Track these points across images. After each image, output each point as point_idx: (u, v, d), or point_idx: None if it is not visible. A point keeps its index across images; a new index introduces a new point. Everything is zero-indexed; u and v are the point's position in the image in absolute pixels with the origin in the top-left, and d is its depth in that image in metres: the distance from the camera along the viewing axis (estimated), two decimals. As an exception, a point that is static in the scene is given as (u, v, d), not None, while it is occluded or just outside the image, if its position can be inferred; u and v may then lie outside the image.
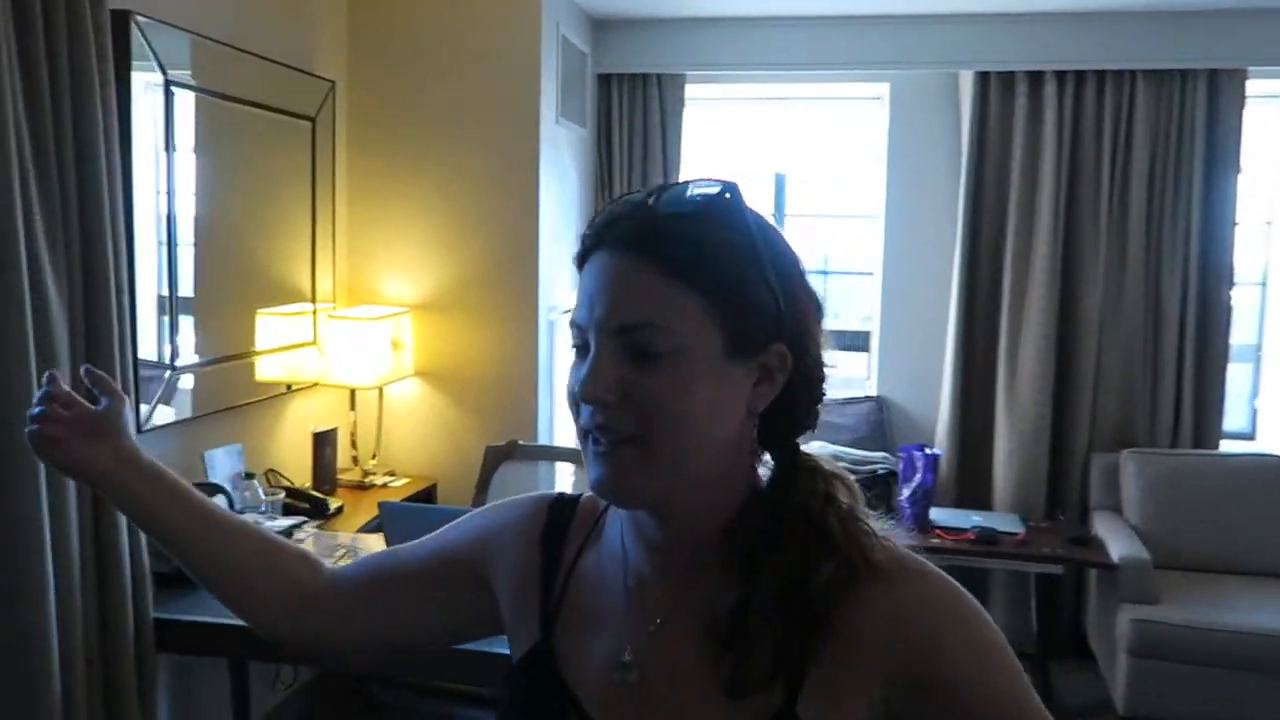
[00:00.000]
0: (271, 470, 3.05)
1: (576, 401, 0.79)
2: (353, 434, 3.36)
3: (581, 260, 0.81)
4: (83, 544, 2.01)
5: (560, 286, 3.67)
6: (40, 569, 1.86)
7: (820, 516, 0.81)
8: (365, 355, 3.18)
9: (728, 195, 0.79)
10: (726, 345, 0.77)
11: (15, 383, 1.80)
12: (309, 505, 2.88)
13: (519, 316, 3.45)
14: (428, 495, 3.41)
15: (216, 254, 2.85)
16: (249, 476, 2.61)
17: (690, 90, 4.10)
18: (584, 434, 0.79)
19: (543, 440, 3.51)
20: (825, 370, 0.84)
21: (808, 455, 0.85)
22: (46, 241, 1.89)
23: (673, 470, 0.78)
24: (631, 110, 4.06)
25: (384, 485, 3.31)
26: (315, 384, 3.25)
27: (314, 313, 3.24)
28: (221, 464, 2.61)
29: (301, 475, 3.16)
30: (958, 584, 0.81)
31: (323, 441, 3.14)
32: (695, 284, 0.76)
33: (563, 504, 0.95)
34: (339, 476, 3.27)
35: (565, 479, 3.60)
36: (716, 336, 0.77)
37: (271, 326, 3.08)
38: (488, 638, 0.99)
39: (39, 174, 1.87)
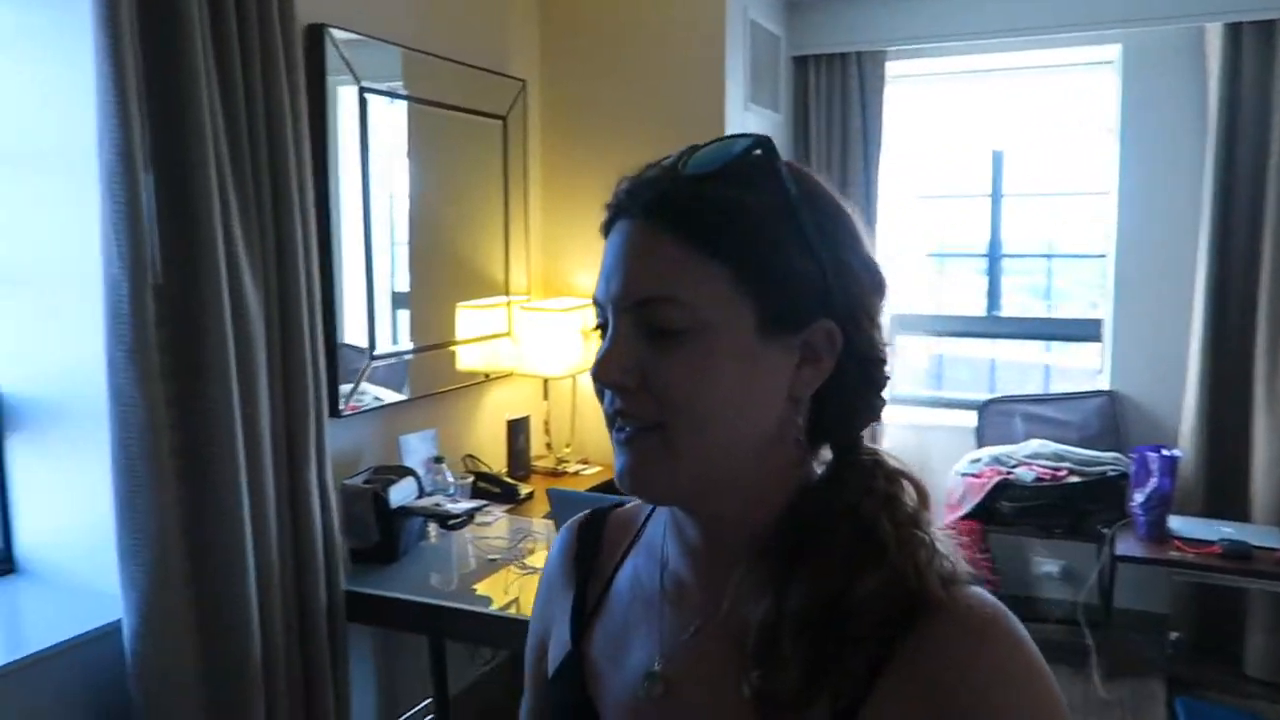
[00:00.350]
0: (469, 455, 3.20)
1: (599, 386, 0.72)
2: (546, 422, 3.46)
3: (606, 230, 0.74)
4: (280, 520, 2.18)
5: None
6: (240, 544, 2.03)
7: (873, 517, 0.70)
8: (557, 346, 3.27)
9: (758, 151, 0.70)
10: (760, 322, 0.69)
11: (215, 367, 1.98)
12: (499, 490, 2.99)
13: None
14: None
15: (425, 250, 3.03)
16: (439, 460, 2.75)
17: (891, 68, 3.90)
18: (608, 420, 0.72)
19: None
20: (885, 350, 0.74)
21: (871, 449, 0.75)
22: (244, 240, 2.07)
23: (698, 464, 0.70)
24: (830, 92, 3.92)
25: (576, 473, 3.39)
26: (510, 373, 3.38)
27: (508, 305, 3.37)
28: (415, 448, 2.76)
29: (498, 461, 3.29)
30: (1028, 642, 0.66)
31: (516, 429, 3.26)
32: (721, 253, 0.68)
33: (590, 521, 0.90)
34: (534, 463, 3.38)
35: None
36: (747, 312, 0.68)
37: (470, 318, 3.24)
38: None
39: (236, 179, 2.05)
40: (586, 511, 0.91)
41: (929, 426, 4.08)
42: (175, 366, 1.95)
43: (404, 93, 2.83)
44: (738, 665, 0.70)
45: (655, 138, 3.39)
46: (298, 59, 2.20)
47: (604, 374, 0.69)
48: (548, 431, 3.47)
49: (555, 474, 3.36)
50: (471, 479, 2.89)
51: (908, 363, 4.27)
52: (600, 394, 0.73)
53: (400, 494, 2.47)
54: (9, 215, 2.08)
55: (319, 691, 2.28)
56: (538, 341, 3.29)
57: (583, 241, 3.56)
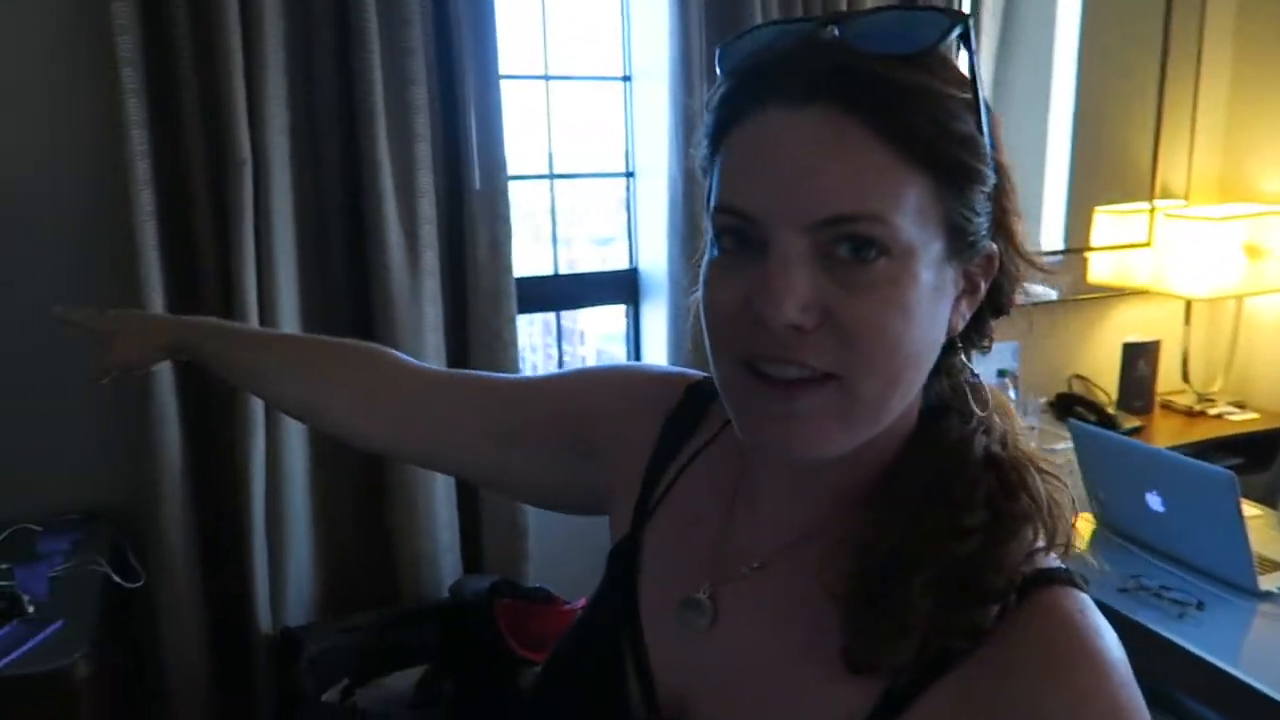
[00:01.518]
0: (1077, 376, 2.86)
1: (737, 321, 0.57)
2: (1185, 351, 2.89)
3: (726, 118, 0.58)
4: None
5: None
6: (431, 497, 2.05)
7: (1018, 466, 0.60)
8: (1210, 260, 2.68)
9: (959, 32, 0.55)
10: (946, 246, 0.57)
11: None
12: (1094, 419, 2.62)
13: None
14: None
15: (1058, 140, 2.72)
16: (1002, 375, 2.51)
17: None
18: (745, 365, 0.57)
19: None
20: (1023, 272, 0.62)
21: (974, 374, 0.64)
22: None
23: (878, 420, 0.58)
24: None
25: (1219, 415, 2.79)
26: (1145, 290, 2.87)
27: (1151, 210, 2.85)
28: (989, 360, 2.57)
29: (1112, 388, 2.87)
30: (1120, 671, 0.53)
31: (1135, 354, 2.79)
32: (926, 160, 0.54)
33: (703, 390, 0.75)
34: (1160, 397, 2.87)
35: None
36: (939, 234, 0.56)
37: (1105, 224, 2.84)
38: (575, 513, 0.85)
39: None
40: (705, 378, 0.76)
41: None
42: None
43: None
44: (803, 617, 0.61)
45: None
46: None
47: (778, 311, 0.53)
48: (1185, 363, 2.90)
49: (1191, 414, 2.81)
50: (1042, 400, 2.59)
51: None
52: (725, 328, 0.58)
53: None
54: (642, 123, 2.42)
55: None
56: (1185, 255, 2.73)
57: None
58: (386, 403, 0.89)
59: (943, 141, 0.54)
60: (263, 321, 1.83)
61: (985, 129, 0.56)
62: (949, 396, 0.63)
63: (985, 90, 0.57)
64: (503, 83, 2.01)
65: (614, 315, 2.57)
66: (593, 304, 2.53)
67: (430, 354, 1.98)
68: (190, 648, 1.86)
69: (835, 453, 0.58)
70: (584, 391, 0.83)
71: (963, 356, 0.63)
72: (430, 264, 1.97)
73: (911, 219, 0.54)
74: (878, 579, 0.57)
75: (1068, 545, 0.59)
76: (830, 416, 0.56)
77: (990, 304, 0.61)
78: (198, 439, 1.88)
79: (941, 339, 0.59)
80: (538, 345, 2.81)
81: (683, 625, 0.66)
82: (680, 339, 2.24)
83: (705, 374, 0.74)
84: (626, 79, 2.42)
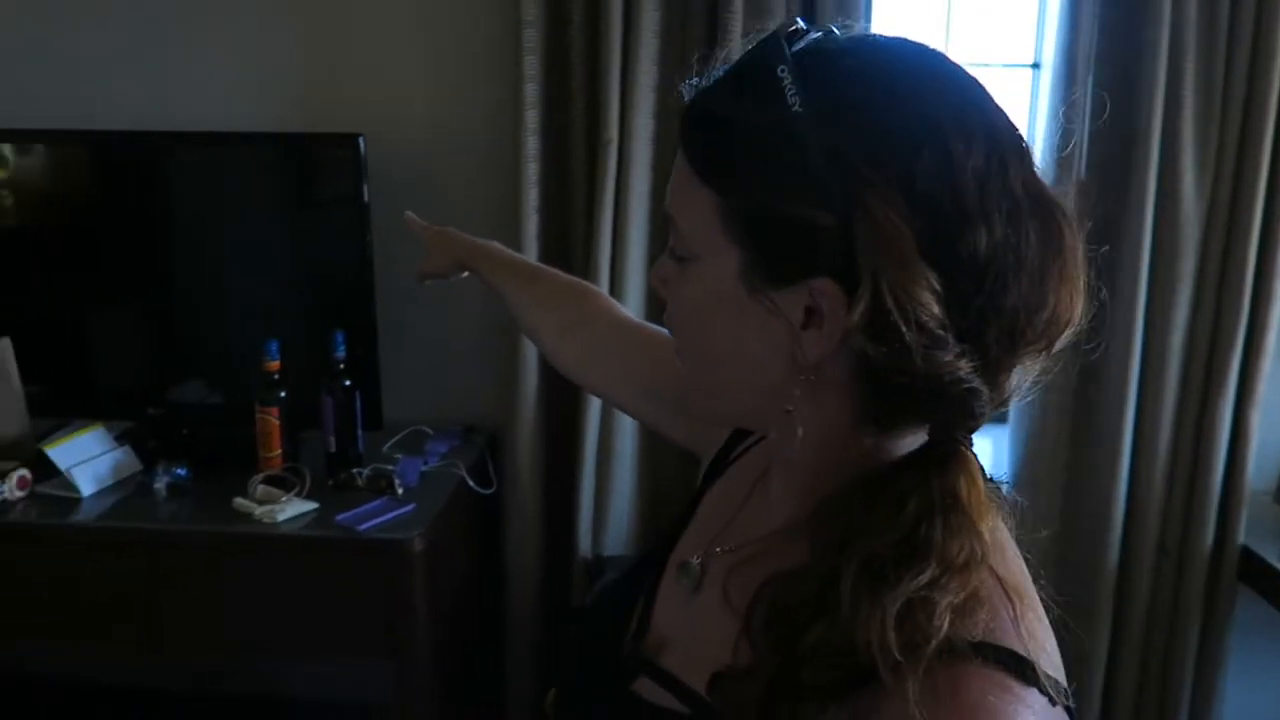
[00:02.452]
0: None
1: None
2: None
3: None
4: (1174, 450, 1.97)
5: None
6: (1114, 466, 1.95)
7: (917, 517, 0.54)
8: None
9: (769, 51, 0.56)
10: (744, 267, 0.58)
11: (1125, 267, 1.88)
12: None
13: None
14: None
15: None
16: None
17: None
18: None
19: None
20: (948, 334, 0.52)
21: (956, 447, 0.56)
22: (1193, 133, 1.85)
23: (703, 394, 0.67)
24: None
25: None
26: None
27: None
28: None
29: None
30: None
31: None
32: (711, 180, 0.58)
33: None
34: None
35: None
36: (733, 252, 0.58)
37: None
38: None
39: (1199, 56, 1.83)
40: None
41: None
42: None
43: None
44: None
45: None
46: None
47: (651, 279, 0.70)
48: None
49: None
50: None
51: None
52: None
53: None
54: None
55: (1178, 651, 2.04)
56: None
57: None
58: (578, 338, 1.05)
59: (726, 167, 0.57)
60: (611, 289, 2.05)
61: (810, 159, 0.53)
62: (911, 456, 0.59)
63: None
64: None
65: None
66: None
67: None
68: (527, 552, 2.18)
69: (703, 415, 0.73)
70: None
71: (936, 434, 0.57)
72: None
73: (699, 228, 0.59)
74: (772, 613, 0.56)
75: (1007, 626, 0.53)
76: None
77: (906, 362, 0.53)
78: (552, 372, 2.18)
79: (772, 361, 0.58)
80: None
81: (678, 584, 0.73)
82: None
83: None
84: (1035, 66, 2.27)
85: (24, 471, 1.88)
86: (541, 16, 1.98)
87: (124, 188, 2.12)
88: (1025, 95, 2.26)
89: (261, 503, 1.84)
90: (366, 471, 1.96)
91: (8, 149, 2.08)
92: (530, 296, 1.12)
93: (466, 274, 1.22)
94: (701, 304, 0.62)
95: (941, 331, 0.52)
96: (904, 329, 0.51)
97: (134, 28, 2.18)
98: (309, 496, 1.87)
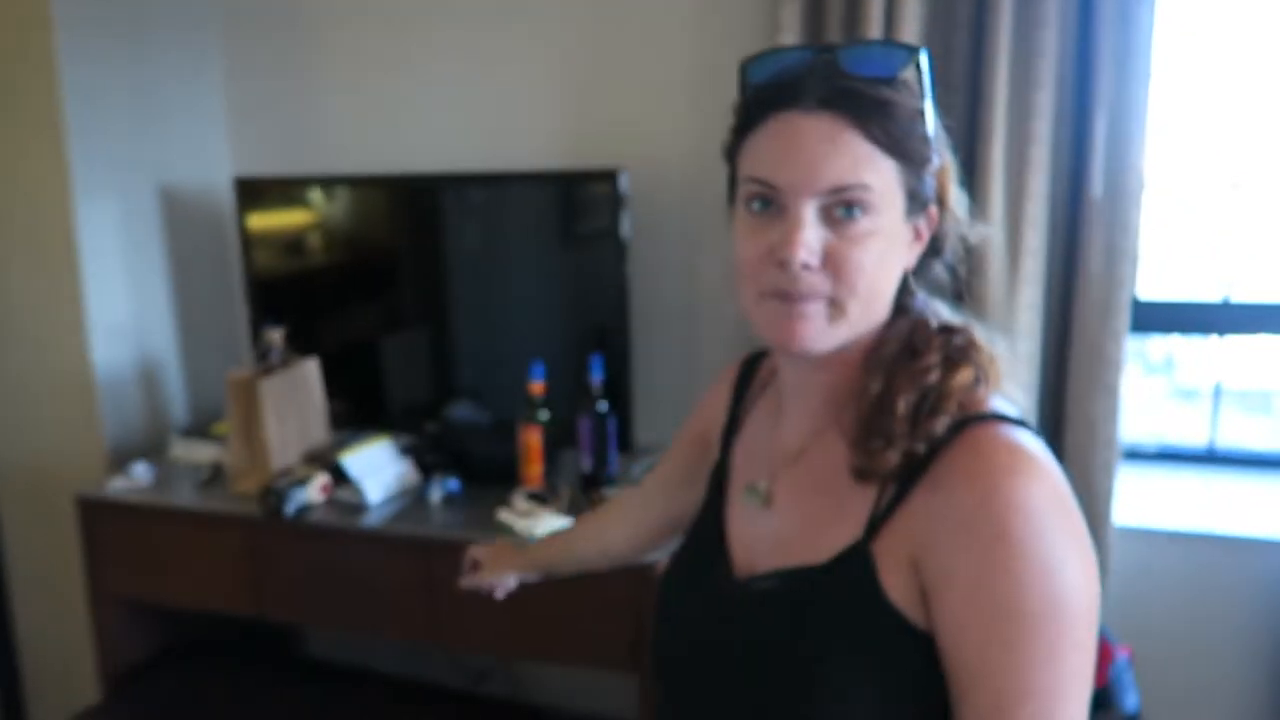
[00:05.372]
0: None
1: (762, 264, 0.82)
2: None
3: (754, 117, 0.82)
4: None
5: None
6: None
7: (954, 341, 0.86)
8: None
9: (920, 61, 0.82)
10: (906, 207, 0.83)
11: None
12: None
13: None
14: None
15: None
16: None
17: None
18: (771, 294, 0.82)
19: None
20: (961, 226, 0.89)
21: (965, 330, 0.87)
22: None
23: (858, 328, 0.84)
24: None
25: None
26: None
27: None
28: None
29: None
30: (1054, 477, 0.76)
31: None
32: (894, 150, 0.80)
33: (751, 359, 1.08)
34: None
35: None
36: (901, 199, 0.82)
37: None
38: None
39: None
40: (756, 351, 1.09)
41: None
42: None
43: None
44: (826, 487, 0.86)
45: None
46: None
47: (794, 256, 0.79)
48: None
49: None
50: None
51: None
52: (753, 270, 0.83)
53: None
54: None
55: None
56: None
57: None
58: (623, 531, 1.33)
59: (906, 139, 0.80)
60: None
61: (933, 129, 0.83)
62: (911, 307, 0.88)
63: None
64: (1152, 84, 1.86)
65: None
66: (1246, 331, 2.18)
67: (1021, 361, 1.97)
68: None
69: (821, 348, 0.83)
70: (699, 418, 1.16)
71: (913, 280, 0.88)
72: (1031, 271, 1.94)
73: (885, 189, 0.80)
74: (872, 412, 0.82)
75: (998, 381, 0.83)
76: (821, 319, 0.81)
77: (932, 248, 0.88)
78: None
79: (899, 273, 0.86)
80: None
81: (745, 508, 0.95)
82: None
83: (761, 349, 1.07)
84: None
85: (326, 478, 2.10)
86: (800, 43, 1.98)
87: (412, 225, 2.34)
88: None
89: (522, 516, 1.94)
90: (619, 491, 2.02)
91: (317, 193, 2.36)
92: (590, 550, 1.37)
93: (516, 582, 1.43)
94: (886, 247, 0.82)
95: (962, 224, 0.89)
96: (949, 229, 0.88)
97: (420, 81, 2.43)
98: (565, 512, 1.96)
